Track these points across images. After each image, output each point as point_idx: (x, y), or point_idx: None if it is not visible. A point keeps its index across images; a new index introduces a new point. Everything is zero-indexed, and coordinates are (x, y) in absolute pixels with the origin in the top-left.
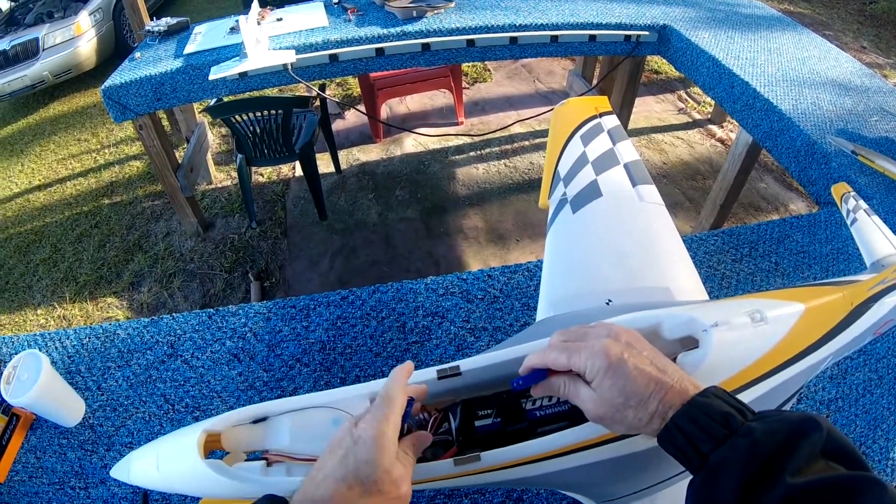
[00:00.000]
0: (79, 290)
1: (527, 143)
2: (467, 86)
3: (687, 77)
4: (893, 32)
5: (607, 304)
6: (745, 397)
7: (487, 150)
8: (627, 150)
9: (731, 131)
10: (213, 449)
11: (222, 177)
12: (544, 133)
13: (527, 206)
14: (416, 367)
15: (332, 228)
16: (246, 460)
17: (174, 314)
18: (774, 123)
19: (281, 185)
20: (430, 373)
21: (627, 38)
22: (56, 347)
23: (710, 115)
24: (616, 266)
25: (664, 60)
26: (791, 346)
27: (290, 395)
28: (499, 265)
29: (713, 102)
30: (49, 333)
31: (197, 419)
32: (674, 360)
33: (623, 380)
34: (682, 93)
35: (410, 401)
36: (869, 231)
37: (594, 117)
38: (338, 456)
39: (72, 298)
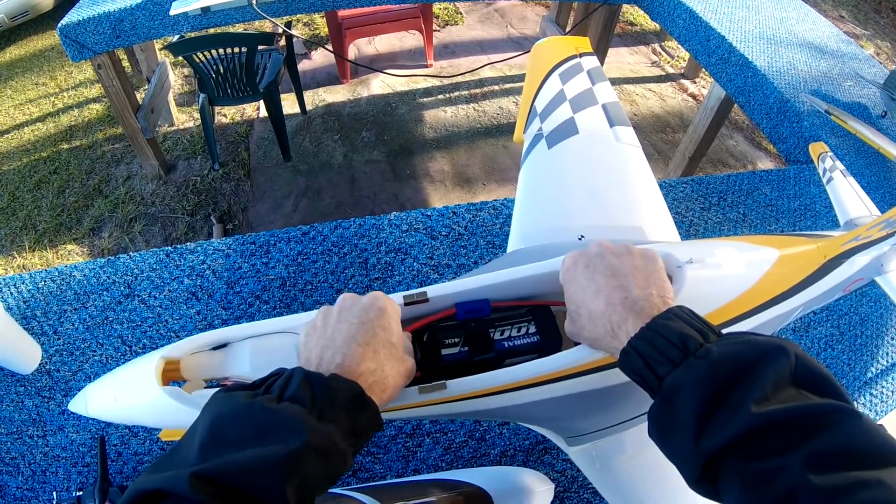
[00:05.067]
0: (38, 239)
1: (496, 87)
2: (438, 28)
3: (662, 28)
4: (873, 5)
5: (580, 239)
6: None
7: (456, 93)
8: (606, 92)
9: (704, 87)
10: (172, 379)
11: (184, 118)
12: (515, 78)
13: (495, 150)
14: None
15: (296, 170)
16: (205, 388)
17: (131, 253)
18: (748, 79)
19: (244, 125)
20: (397, 298)
21: None
22: (11, 293)
23: (683, 70)
24: (590, 203)
25: (640, 12)
26: (763, 291)
27: None
28: None
29: (687, 57)
30: (4, 279)
31: None
32: None
33: (573, 286)
34: (656, 46)
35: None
36: (844, 191)
37: (574, 56)
38: (352, 324)
39: (31, 247)
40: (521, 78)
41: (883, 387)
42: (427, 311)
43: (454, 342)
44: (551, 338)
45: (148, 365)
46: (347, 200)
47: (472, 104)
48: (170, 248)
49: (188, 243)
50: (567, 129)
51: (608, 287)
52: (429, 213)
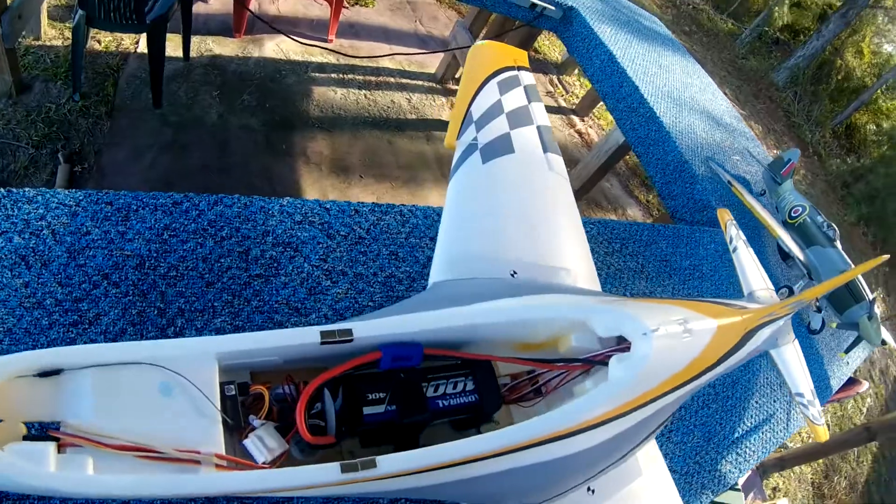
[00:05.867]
0: None
1: (392, 79)
2: (348, 5)
3: (578, 63)
4: (753, 90)
5: (512, 275)
6: (649, 409)
7: (350, 76)
8: (540, 113)
9: (591, 127)
10: None
11: (54, 34)
12: (412, 75)
13: (378, 143)
14: (266, 313)
15: (164, 120)
16: (26, 436)
17: None
18: (652, 133)
19: (118, 58)
20: (311, 334)
21: (533, 6)
22: None
23: (575, 106)
24: (523, 234)
25: (547, 42)
26: (703, 360)
27: (91, 322)
28: (336, 199)
29: (581, 94)
30: None
31: None
32: (600, 358)
33: None
34: (554, 77)
35: None
36: (747, 262)
37: (512, 68)
38: None
39: None
40: (418, 76)
41: (746, 447)
42: (350, 351)
43: (379, 398)
44: (491, 397)
45: None
46: (214, 164)
47: (364, 91)
48: (3, 190)
49: (27, 189)
50: (503, 146)
51: None
52: (327, 206)
